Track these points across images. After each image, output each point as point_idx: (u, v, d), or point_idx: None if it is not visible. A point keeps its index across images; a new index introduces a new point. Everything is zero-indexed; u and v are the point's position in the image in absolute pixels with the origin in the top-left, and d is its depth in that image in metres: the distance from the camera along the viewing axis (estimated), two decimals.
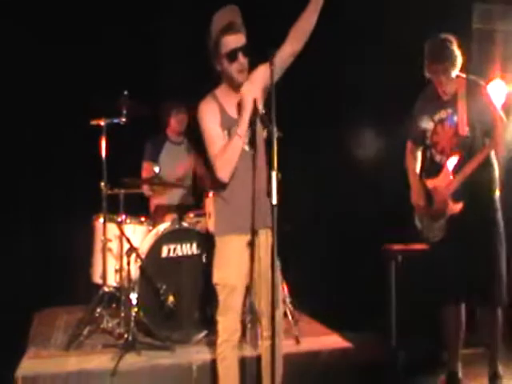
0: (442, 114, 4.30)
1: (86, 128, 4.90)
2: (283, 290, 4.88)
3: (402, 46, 5.50)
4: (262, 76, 3.56)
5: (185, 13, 5.93)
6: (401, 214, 5.61)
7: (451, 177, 4.25)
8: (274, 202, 3.29)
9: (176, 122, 5.67)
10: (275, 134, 3.28)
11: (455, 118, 4.23)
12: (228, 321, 3.65)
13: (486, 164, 4.22)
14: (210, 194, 5.22)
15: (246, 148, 3.57)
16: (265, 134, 3.61)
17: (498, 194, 4.29)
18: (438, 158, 4.36)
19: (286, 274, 4.46)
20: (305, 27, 3.46)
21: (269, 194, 3.30)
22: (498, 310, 4.29)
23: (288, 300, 5.05)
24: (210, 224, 5.20)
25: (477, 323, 4.59)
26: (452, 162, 4.25)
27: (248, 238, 3.59)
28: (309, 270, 5.62)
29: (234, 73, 3.50)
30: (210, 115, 3.54)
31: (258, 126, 3.58)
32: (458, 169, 4.22)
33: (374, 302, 5.33)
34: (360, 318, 5.19)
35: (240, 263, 3.61)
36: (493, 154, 4.26)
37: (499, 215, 4.27)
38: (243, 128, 3.46)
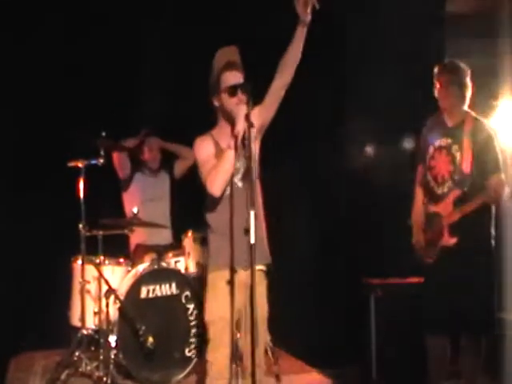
0: (442, 142, 4.41)
1: (63, 169, 4.90)
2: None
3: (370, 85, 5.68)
4: (256, 117, 3.65)
5: (163, 52, 6.00)
6: (380, 248, 5.69)
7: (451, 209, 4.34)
8: (252, 241, 3.31)
9: (149, 156, 5.71)
10: (255, 171, 3.44)
11: (454, 149, 4.33)
12: (219, 358, 3.61)
13: (487, 205, 4.29)
14: (189, 234, 5.26)
15: (240, 184, 3.65)
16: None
17: (493, 233, 4.38)
18: (431, 183, 4.46)
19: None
20: (291, 58, 3.56)
21: (247, 233, 3.33)
22: (483, 339, 4.38)
23: (268, 337, 5.04)
24: (189, 263, 5.23)
25: (459, 353, 4.61)
26: (454, 194, 4.33)
27: (240, 273, 3.60)
28: (287, 305, 5.62)
29: (232, 106, 3.61)
30: (204, 147, 3.69)
31: (255, 163, 3.66)
32: (458, 203, 4.30)
33: (354, 336, 5.34)
34: (340, 352, 5.19)
35: (230, 300, 3.59)
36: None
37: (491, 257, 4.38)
38: (235, 141, 3.55)
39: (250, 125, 3.48)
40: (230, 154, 3.57)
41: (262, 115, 3.67)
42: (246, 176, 3.60)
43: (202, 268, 5.06)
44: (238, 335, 3.70)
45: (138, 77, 5.93)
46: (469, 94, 4.38)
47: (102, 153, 4.87)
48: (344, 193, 6.04)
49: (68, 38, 5.67)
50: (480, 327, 4.33)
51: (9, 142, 5.59)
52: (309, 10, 3.45)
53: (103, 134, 4.88)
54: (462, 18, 5.42)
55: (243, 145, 3.56)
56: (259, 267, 3.65)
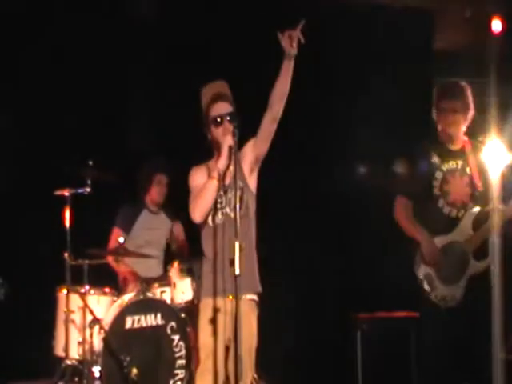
0: (452, 165, 4.22)
1: (49, 198, 4.89)
2: None
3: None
4: (251, 148, 3.74)
5: (152, 79, 6.03)
6: (368, 282, 5.66)
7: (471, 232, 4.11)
8: (237, 272, 3.33)
9: (156, 191, 5.61)
10: (238, 204, 3.41)
11: (468, 170, 4.19)
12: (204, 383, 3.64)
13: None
14: (175, 265, 5.23)
15: (232, 214, 3.66)
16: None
17: None
18: (446, 210, 4.19)
19: None
20: (279, 93, 3.59)
21: (232, 264, 3.34)
22: None
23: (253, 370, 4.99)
24: (175, 294, 5.19)
25: None
26: (471, 215, 4.12)
27: (230, 303, 3.60)
28: (273, 338, 5.58)
29: (219, 136, 3.67)
30: (196, 176, 3.78)
31: (247, 193, 3.71)
32: (478, 224, 4.10)
33: (340, 371, 5.30)
34: None
35: (221, 326, 3.64)
36: None
37: None
38: (218, 172, 3.63)
39: (231, 156, 3.54)
40: (211, 184, 3.64)
41: (255, 149, 3.72)
42: (239, 207, 3.58)
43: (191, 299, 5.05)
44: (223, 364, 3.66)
45: (127, 106, 5.95)
46: (470, 115, 4.23)
47: (88, 182, 4.87)
48: (332, 225, 6.03)
49: (57, 65, 5.69)
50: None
51: None
52: (294, 44, 3.47)
53: (90, 162, 4.88)
54: (451, 56, 5.49)
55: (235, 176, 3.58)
56: (250, 296, 3.68)
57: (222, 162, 3.63)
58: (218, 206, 3.71)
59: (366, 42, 5.96)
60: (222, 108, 3.72)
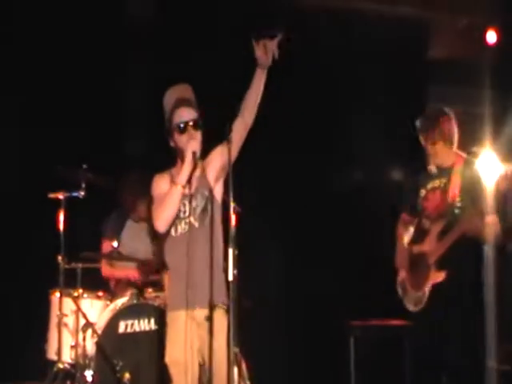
0: (435, 183, 4.39)
1: (44, 201, 4.88)
2: (241, 368, 4.80)
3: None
4: (218, 156, 3.60)
5: (146, 87, 6.03)
6: (360, 290, 5.66)
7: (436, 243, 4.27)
8: (230, 278, 3.30)
9: (141, 209, 5.39)
10: (232, 209, 3.39)
11: (447, 187, 4.31)
12: None
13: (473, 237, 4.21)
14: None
15: (196, 224, 3.58)
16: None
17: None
18: (424, 223, 4.41)
19: (246, 352, 4.42)
20: (252, 101, 3.55)
21: (225, 271, 3.33)
22: None
23: (247, 378, 4.99)
24: None
25: None
26: (437, 227, 4.29)
27: (198, 314, 3.53)
28: (268, 346, 5.58)
29: (183, 143, 3.56)
30: (159, 184, 3.65)
31: (214, 204, 3.61)
32: (442, 236, 4.24)
33: (334, 378, 5.30)
34: None
35: (190, 340, 3.51)
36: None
37: (483, 289, 4.27)
38: (182, 178, 3.51)
39: (195, 162, 3.49)
40: (176, 190, 3.51)
41: (223, 157, 3.53)
42: (204, 216, 3.56)
43: None
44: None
45: (123, 110, 5.95)
46: (455, 137, 4.38)
47: (83, 185, 4.86)
48: (327, 230, 6.02)
49: (53, 67, 5.69)
50: (467, 376, 4.22)
51: None
52: (269, 56, 3.44)
53: (84, 166, 4.88)
54: (444, 64, 5.50)
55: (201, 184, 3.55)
56: (217, 306, 3.53)
57: (186, 168, 3.50)
58: (182, 215, 3.57)
59: (361, 49, 5.96)
60: (186, 114, 3.58)
